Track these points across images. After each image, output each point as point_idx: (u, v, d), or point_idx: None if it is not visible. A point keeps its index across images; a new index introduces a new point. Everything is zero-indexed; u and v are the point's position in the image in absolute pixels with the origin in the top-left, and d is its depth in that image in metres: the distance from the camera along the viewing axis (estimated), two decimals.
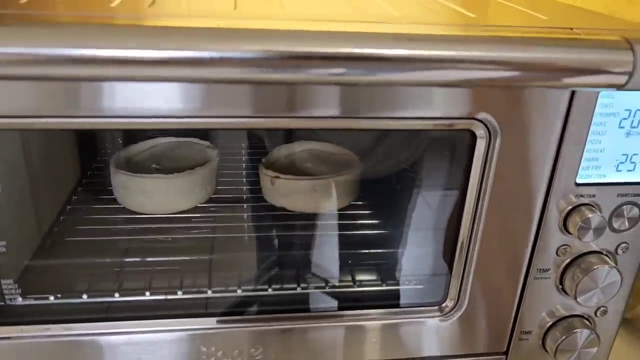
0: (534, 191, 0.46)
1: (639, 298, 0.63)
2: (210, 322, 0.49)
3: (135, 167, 0.62)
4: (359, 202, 0.63)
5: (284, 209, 0.61)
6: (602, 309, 0.53)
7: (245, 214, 0.63)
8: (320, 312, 0.50)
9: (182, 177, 0.58)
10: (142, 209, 0.59)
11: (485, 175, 0.45)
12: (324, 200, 0.60)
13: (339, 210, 0.61)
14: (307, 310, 0.51)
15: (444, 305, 0.51)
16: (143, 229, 0.59)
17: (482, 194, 0.46)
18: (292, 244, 0.61)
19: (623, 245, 0.50)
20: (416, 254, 0.56)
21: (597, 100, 0.43)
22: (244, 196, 0.65)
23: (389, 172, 0.63)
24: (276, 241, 0.60)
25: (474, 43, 0.34)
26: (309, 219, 0.61)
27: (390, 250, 0.59)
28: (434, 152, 0.53)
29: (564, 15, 0.51)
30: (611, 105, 0.44)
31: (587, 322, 0.53)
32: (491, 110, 0.42)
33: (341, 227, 0.61)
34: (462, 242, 0.48)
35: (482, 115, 0.43)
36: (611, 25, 0.47)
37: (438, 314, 0.51)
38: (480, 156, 0.44)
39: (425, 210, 0.55)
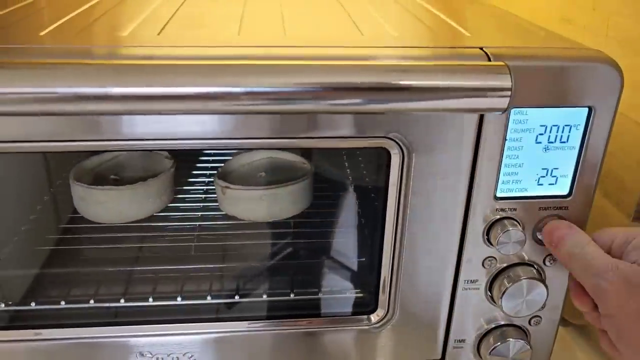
0: (453, 205, 0.47)
1: None
2: (151, 329, 0.52)
3: (97, 177, 0.65)
4: (310, 210, 0.64)
5: (235, 218, 0.63)
6: (535, 318, 0.54)
7: (198, 223, 0.65)
8: (254, 320, 0.52)
9: (134, 188, 0.60)
10: (99, 218, 0.62)
11: (403, 189, 0.46)
12: (272, 210, 0.62)
13: (288, 219, 0.63)
14: (244, 318, 0.53)
15: (374, 314, 0.52)
16: (100, 239, 0.62)
17: (400, 208, 0.47)
18: (238, 253, 0.63)
19: (550, 256, 0.51)
20: (354, 264, 0.58)
21: (509, 117, 0.44)
22: (201, 205, 0.68)
23: (335, 183, 0.64)
24: (223, 251, 0.63)
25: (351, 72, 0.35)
26: (258, 228, 0.63)
27: (330, 259, 0.61)
28: (365, 169, 0.54)
29: (489, 31, 0.51)
30: (525, 121, 0.45)
31: (520, 331, 0.54)
32: (402, 129, 0.44)
33: (287, 236, 0.63)
34: (387, 254, 0.50)
35: (394, 134, 0.44)
36: (528, 43, 0.47)
37: (369, 323, 0.52)
38: (396, 172, 0.46)
39: (360, 222, 0.56)
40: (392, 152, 0.45)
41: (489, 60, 0.42)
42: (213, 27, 0.49)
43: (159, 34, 0.46)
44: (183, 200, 0.69)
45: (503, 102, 0.37)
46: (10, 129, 0.41)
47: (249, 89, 0.34)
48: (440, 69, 0.36)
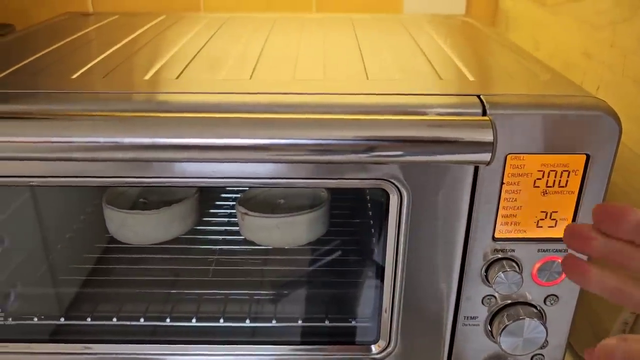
0: (452, 244, 0.49)
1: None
2: (165, 349, 0.56)
3: (128, 200, 0.70)
4: (326, 238, 0.67)
5: (254, 244, 0.66)
6: (537, 357, 0.54)
7: (219, 247, 0.68)
8: (258, 344, 0.55)
9: (158, 213, 0.64)
10: (128, 240, 0.66)
11: (402, 229, 0.48)
12: (287, 237, 0.65)
13: (303, 245, 0.65)
14: (250, 343, 0.56)
15: (376, 345, 0.54)
16: (131, 259, 0.67)
17: (400, 245, 0.49)
18: (253, 278, 0.66)
19: (551, 297, 0.51)
20: (360, 294, 0.60)
21: (505, 162, 0.45)
22: (224, 229, 0.71)
23: (352, 211, 0.67)
24: (238, 275, 0.66)
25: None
26: (275, 254, 0.66)
27: (339, 288, 0.63)
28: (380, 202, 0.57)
29: (494, 76, 0.53)
30: (522, 166, 0.46)
31: None
32: (400, 172, 0.46)
33: (300, 263, 0.66)
34: (388, 288, 0.51)
35: (392, 177, 0.46)
36: (529, 89, 0.48)
37: (370, 353, 0.54)
38: (395, 212, 0.48)
39: (370, 252, 0.58)
40: (390, 193, 0.47)
41: (484, 108, 0.43)
42: (228, 70, 0.52)
43: (177, 78, 0.49)
44: (209, 223, 0.73)
45: (485, 157, 0.38)
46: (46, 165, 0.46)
47: (243, 142, 0.38)
48: (421, 123, 0.38)
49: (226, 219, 0.73)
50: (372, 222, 0.68)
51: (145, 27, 0.71)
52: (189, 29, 0.70)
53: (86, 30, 0.69)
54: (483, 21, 0.79)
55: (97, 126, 0.40)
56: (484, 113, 0.43)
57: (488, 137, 0.37)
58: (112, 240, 0.68)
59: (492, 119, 0.39)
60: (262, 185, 0.61)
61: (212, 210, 0.75)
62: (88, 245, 0.71)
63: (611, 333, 0.61)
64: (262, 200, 0.70)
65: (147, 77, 0.50)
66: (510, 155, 0.45)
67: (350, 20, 0.78)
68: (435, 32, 0.69)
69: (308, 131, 0.39)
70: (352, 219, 0.72)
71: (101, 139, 0.39)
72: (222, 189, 0.78)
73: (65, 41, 0.63)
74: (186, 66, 0.53)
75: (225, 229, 0.71)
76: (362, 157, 0.38)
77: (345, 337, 0.58)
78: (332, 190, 0.68)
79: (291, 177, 0.47)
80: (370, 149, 0.38)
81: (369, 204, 0.71)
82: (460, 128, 0.38)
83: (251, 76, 0.50)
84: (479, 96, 0.45)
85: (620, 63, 0.61)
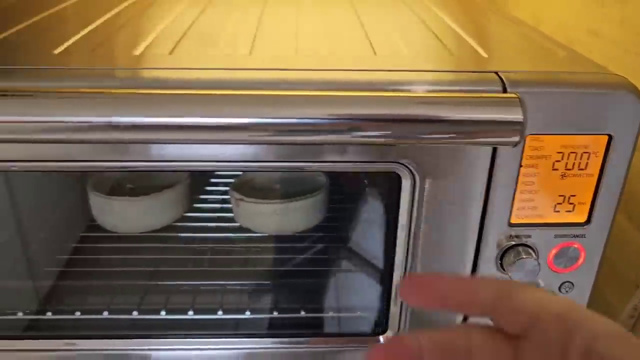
0: (466, 230, 0.46)
1: None
2: (158, 343, 0.53)
3: (115, 186, 0.66)
4: (324, 224, 0.64)
5: (249, 230, 0.63)
6: None
7: (211, 234, 0.65)
8: (263, 337, 0.52)
9: (147, 199, 0.61)
10: (114, 228, 0.62)
11: (414, 214, 0.46)
12: (285, 223, 0.62)
13: (300, 232, 0.62)
14: (252, 335, 0.53)
15: (384, 336, 0.52)
16: (113, 249, 0.63)
17: (411, 232, 0.46)
18: (250, 267, 0.63)
19: (567, 284, 0.49)
20: (366, 283, 0.57)
21: (524, 143, 0.43)
22: (217, 215, 0.68)
23: (351, 196, 0.64)
24: (234, 264, 0.63)
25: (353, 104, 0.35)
26: (271, 242, 0.63)
27: (343, 277, 0.60)
28: (382, 187, 0.54)
29: (507, 52, 0.50)
30: (541, 148, 0.43)
31: None
32: (413, 155, 0.43)
33: (297, 251, 0.63)
34: (397, 277, 0.49)
35: (405, 160, 0.43)
36: (547, 66, 0.46)
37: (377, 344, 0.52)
38: (407, 196, 0.45)
39: (373, 240, 0.56)
40: (403, 177, 0.44)
41: (504, 86, 0.41)
42: (224, 46, 0.48)
43: (170, 54, 0.46)
44: (200, 209, 0.69)
45: (514, 138, 0.35)
46: (31, 149, 0.42)
47: (257, 121, 0.34)
48: (446, 100, 0.35)
49: (218, 205, 0.70)
50: (372, 210, 0.65)
51: (129, 1, 0.66)
52: (175, 4, 0.65)
53: (64, 5, 0.65)
54: None
55: (85, 104, 0.36)
56: (504, 91, 0.40)
57: (518, 116, 0.34)
58: (99, 228, 0.64)
59: (521, 95, 0.36)
60: (262, 169, 0.58)
61: (202, 196, 0.72)
62: (71, 235, 0.67)
63: (620, 318, 0.60)
64: (257, 186, 0.67)
65: (137, 52, 0.46)
66: (530, 136, 0.42)
67: None
68: (436, 7, 0.66)
69: (314, 109, 0.36)
70: (351, 204, 0.69)
71: (89, 119, 0.35)
72: (212, 174, 0.74)
73: (43, 15, 0.58)
74: (179, 41, 0.49)
75: (218, 216, 0.68)
76: (376, 138, 0.35)
77: (349, 328, 0.55)
78: (330, 175, 0.65)
79: (295, 160, 0.43)
80: (386, 129, 0.35)
81: (366, 189, 0.68)
82: (488, 106, 0.35)
83: (250, 52, 0.46)
84: (496, 73, 0.42)
85: (631, 40, 0.59)
